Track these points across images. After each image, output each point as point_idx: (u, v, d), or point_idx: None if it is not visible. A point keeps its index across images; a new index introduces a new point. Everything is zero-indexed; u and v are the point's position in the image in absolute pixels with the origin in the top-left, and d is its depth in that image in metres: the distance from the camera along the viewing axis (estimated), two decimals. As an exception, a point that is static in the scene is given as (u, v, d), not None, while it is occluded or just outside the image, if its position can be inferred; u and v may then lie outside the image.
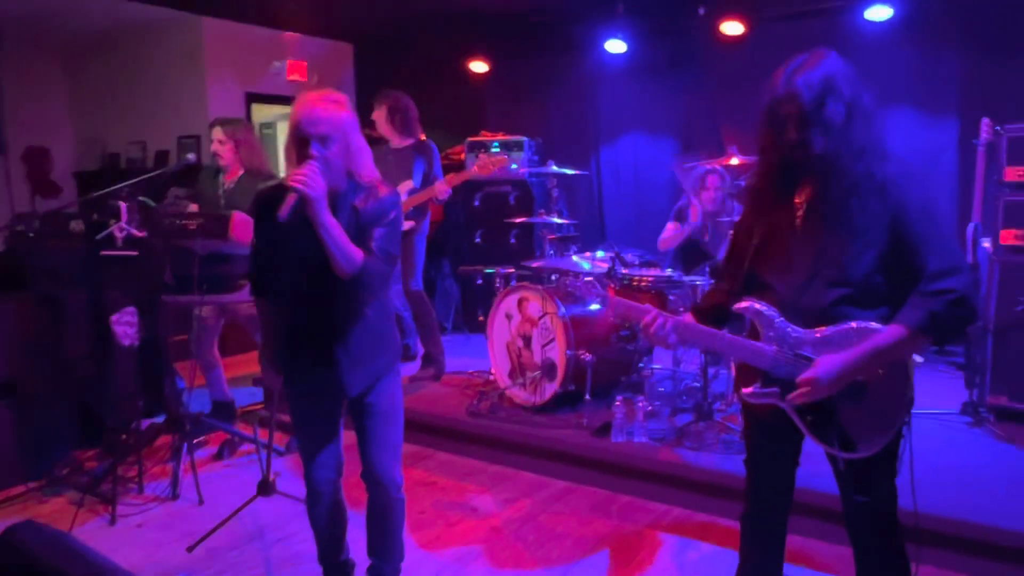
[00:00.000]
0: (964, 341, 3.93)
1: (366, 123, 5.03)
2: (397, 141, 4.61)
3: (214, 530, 3.12)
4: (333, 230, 2.10)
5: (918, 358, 4.80)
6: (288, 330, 2.35)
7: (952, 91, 4.86)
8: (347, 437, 2.49)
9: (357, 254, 2.14)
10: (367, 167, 2.27)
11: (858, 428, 1.84)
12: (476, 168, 4.37)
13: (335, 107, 2.16)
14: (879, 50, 4.89)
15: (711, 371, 3.88)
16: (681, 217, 4.69)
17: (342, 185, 2.22)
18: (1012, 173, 3.76)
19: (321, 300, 2.25)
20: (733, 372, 3.90)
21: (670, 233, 4.66)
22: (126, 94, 7.02)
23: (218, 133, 3.90)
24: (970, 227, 3.92)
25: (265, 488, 3.17)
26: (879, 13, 4.78)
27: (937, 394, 4.14)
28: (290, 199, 2.05)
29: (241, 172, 3.94)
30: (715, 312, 2.08)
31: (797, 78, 1.79)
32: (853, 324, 1.81)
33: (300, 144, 2.13)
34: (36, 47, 7.06)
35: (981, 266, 3.89)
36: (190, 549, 3.06)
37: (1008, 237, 3.78)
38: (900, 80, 4.94)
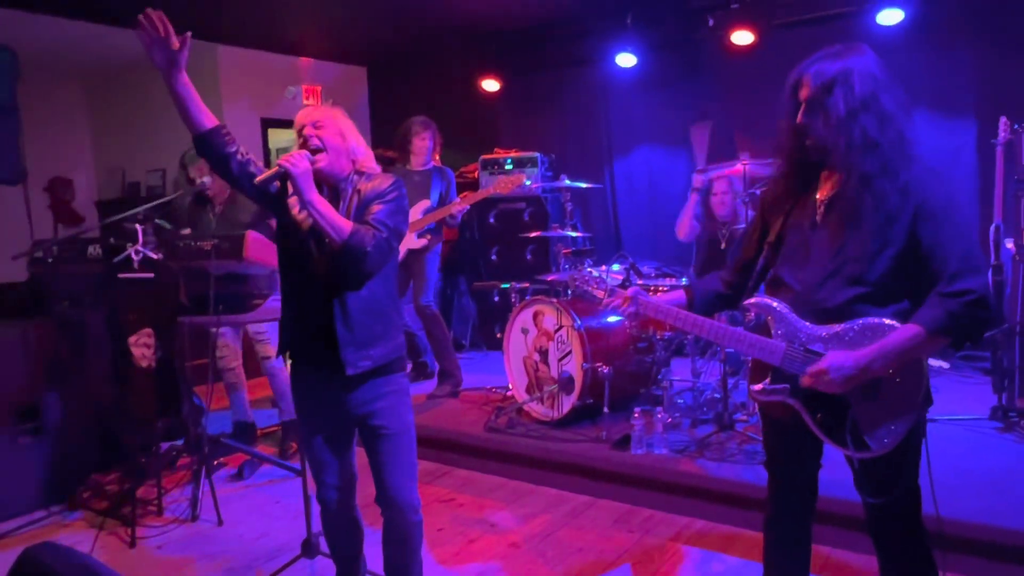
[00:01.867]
0: (991, 345, 3.85)
1: (380, 143, 5.13)
2: (418, 164, 4.69)
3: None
4: (318, 204, 2.17)
5: (943, 364, 4.74)
6: (294, 330, 2.37)
7: (968, 91, 4.80)
8: (362, 455, 2.46)
9: (345, 224, 2.19)
10: (369, 161, 2.39)
11: (870, 426, 1.80)
12: (493, 188, 4.44)
13: (324, 109, 2.37)
14: (892, 53, 4.73)
15: (731, 381, 3.82)
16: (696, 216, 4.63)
17: (345, 170, 2.35)
18: (1032, 171, 3.70)
19: (324, 284, 2.27)
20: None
21: (684, 218, 4.57)
22: (145, 123, 7.14)
23: (202, 167, 3.97)
24: (992, 228, 3.85)
25: (308, 549, 2.93)
26: (891, 16, 4.74)
27: (965, 400, 4.05)
28: (271, 171, 2.23)
29: (227, 192, 4.00)
30: (708, 297, 2.11)
31: (812, 67, 1.82)
32: (869, 320, 1.78)
33: (298, 137, 2.32)
34: (58, 78, 7.22)
35: (1005, 267, 3.81)
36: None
37: (1031, 237, 3.72)
38: (915, 82, 4.88)
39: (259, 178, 2.26)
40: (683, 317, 2.00)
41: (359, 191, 2.32)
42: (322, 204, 2.18)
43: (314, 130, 2.29)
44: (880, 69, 1.81)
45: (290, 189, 2.25)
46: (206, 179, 3.92)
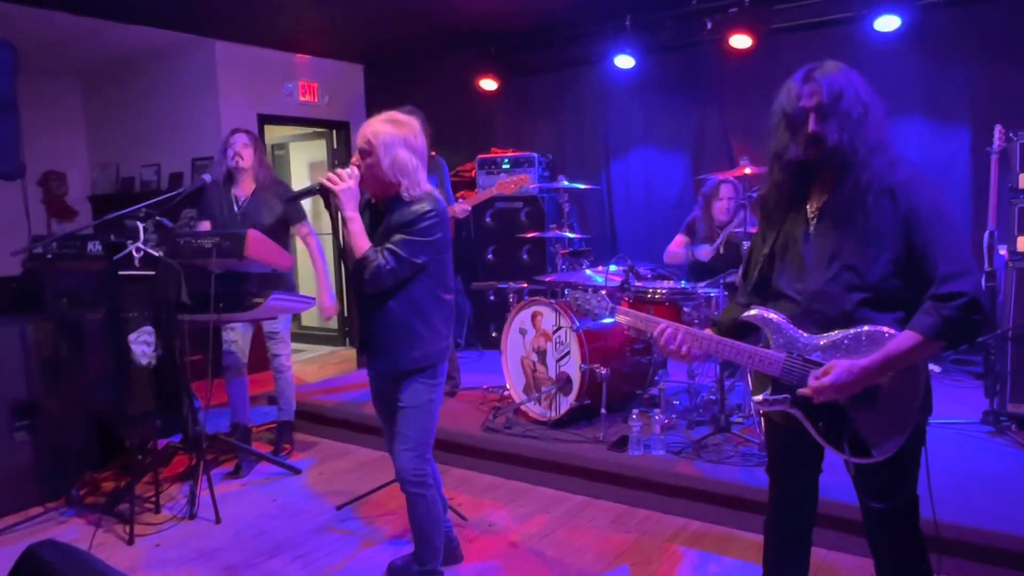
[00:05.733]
0: (983, 350, 3.90)
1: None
2: None
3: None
4: (350, 223, 2.46)
5: (935, 368, 4.79)
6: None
7: (962, 99, 4.85)
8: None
9: (361, 247, 2.45)
10: (417, 182, 2.50)
11: (870, 433, 1.82)
12: (496, 188, 4.43)
13: (380, 125, 2.49)
14: (889, 60, 4.89)
15: (727, 383, 3.85)
16: (692, 231, 4.69)
17: (386, 194, 2.52)
18: (1026, 179, 3.74)
19: (360, 291, 2.55)
20: (750, 383, 3.88)
21: (677, 248, 4.66)
22: (141, 118, 7.11)
23: (243, 138, 4.01)
24: (986, 234, 3.90)
25: None
26: (888, 23, 4.77)
27: (957, 404, 4.11)
28: (307, 187, 2.62)
29: (254, 187, 4.02)
30: (734, 326, 2.06)
31: (818, 75, 1.83)
32: (864, 328, 1.81)
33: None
34: (55, 73, 7.18)
35: (998, 273, 3.86)
36: (340, 507, 3.44)
37: (1024, 243, 3.76)
38: (910, 89, 4.93)
39: (291, 194, 2.61)
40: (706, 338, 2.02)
41: (391, 216, 2.49)
42: (353, 223, 2.46)
43: (360, 159, 2.48)
44: (865, 80, 1.87)
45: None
46: (206, 175, 3.93)
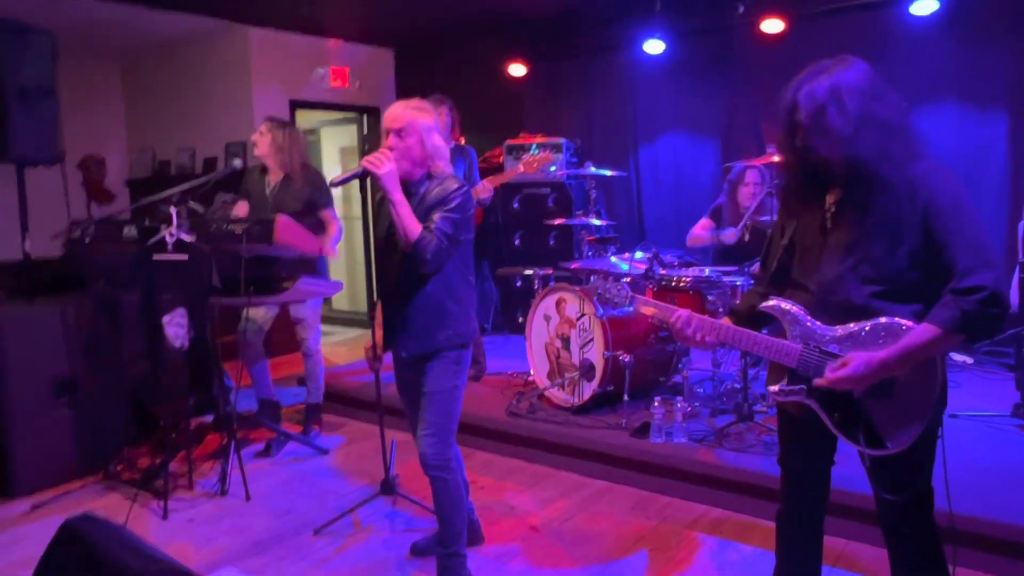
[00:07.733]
0: (1015, 341, 3.83)
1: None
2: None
3: (335, 520, 3.30)
4: (399, 206, 2.47)
5: (967, 359, 4.72)
6: (383, 307, 2.76)
7: (1001, 85, 4.72)
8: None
9: (415, 229, 2.48)
10: (443, 164, 2.63)
11: (885, 425, 1.83)
12: (521, 167, 4.41)
13: (414, 111, 2.59)
14: (925, 44, 4.79)
15: (751, 372, 3.84)
16: (717, 216, 4.65)
17: (417, 175, 2.60)
18: (1065, 168, 3.65)
19: (390, 273, 2.65)
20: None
21: (700, 231, 4.60)
22: (176, 103, 7.24)
23: (262, 126, 4.10)
24: (1021, 224, 3.81)
25: (388, 487, 3.30)
26: (925, 7, 4.67)
27: (987, 396, 4.04)
28: (351, 171, 2.62)
29: (281, 175, 4.09)
30: (752, 315, 2.07)
31: (802, 89, 1.82)
32: (882, 319, 1.81)
33: (383, 137, 2.59)
34: (94, 58, 7.33)
35: (1033, 264, 3.77)
36: (316, 532, 3.24)
37: (1061, 234, 3.68)
38: (947, 74, 4.83)
39: (336, 178, 2.62)
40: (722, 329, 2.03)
41: (425, 196, 2.56)
42: (401, 206, 2.47)
43: (397, 139, 2.53)
44: (869, 80, 1.81)
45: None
46: (237, 161, 4.00)
